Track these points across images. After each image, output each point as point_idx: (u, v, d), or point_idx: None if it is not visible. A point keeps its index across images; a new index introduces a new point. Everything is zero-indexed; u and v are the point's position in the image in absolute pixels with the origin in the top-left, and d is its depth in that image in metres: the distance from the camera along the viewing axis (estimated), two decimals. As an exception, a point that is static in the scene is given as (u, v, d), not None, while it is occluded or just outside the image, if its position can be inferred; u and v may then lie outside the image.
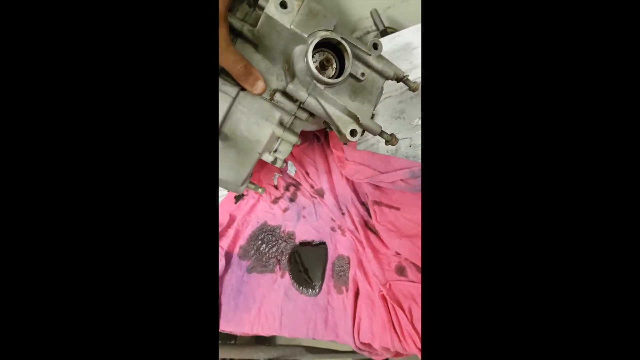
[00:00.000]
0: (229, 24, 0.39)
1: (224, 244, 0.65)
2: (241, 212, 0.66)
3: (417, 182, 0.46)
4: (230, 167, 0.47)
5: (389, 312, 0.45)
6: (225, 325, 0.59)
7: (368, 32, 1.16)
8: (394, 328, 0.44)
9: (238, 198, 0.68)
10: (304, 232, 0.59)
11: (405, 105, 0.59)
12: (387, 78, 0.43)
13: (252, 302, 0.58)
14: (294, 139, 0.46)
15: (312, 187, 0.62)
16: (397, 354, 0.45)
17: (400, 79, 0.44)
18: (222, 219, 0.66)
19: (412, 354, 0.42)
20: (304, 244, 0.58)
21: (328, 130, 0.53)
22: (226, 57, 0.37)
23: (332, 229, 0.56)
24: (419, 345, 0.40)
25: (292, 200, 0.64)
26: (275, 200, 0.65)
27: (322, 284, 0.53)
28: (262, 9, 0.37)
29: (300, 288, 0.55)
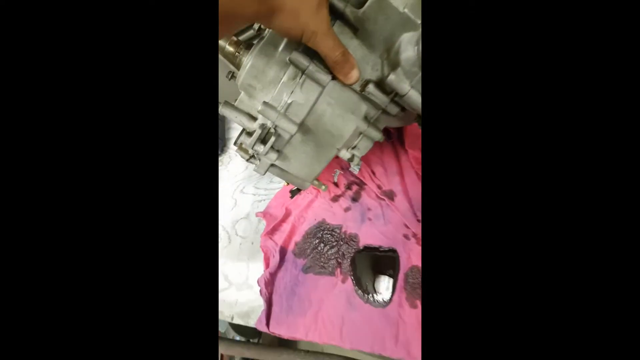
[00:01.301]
0: (330, 3, 0.35)
1: (278, 238, 0.61)
2: (298, 207, 0.63)
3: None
4: (304, 163, 0.44)
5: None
6: (276, 327, 0.55)
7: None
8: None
9: (294, 192, 0.65)
10: (369, 236, 0.54)
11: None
12: None
13: (308, 306, 0.54)
14: (377, 136, 0.43)
15: (379, 187, 0.58)
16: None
17: None
18: (278, 212, 0.63)
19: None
20: (369, 248, 0.53)
21: (420, 126, 0.49)
22: (325, 42, 0.33)
23: (405, 236, 0.51)
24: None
25: (354, 199, 0.60)
26: (335, 198, 0.61)
27: (392, 295, 0.48)
28: None
29: (366, 296, 0.50)
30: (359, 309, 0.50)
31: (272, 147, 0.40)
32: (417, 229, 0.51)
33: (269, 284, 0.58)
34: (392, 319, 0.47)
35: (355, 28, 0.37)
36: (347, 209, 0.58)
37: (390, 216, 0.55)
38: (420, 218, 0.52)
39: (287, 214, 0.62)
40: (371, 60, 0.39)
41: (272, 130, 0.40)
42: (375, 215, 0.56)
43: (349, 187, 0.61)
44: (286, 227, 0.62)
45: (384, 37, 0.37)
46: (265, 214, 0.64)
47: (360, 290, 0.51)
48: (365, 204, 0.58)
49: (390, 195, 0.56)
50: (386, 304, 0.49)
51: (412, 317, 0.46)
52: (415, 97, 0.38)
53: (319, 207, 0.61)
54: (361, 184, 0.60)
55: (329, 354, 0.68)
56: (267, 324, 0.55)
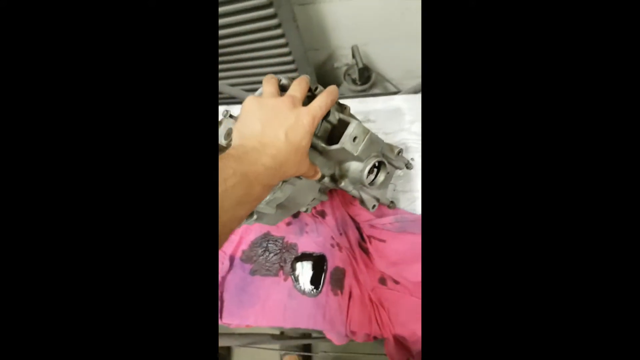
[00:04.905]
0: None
1: (227, 248, 0.74)
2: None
3: (399, 225, 0.68)
4: (274, 219, 0.63)
5: (374, 310, 0.66)
6: (229, 319, 0.69)
7: (347, 66, 1.32)
8: (377, 320, 0.65)
9: (242, 207, 0.77)
10: (306, 245, 0.73)
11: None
12: (398, 168, 0.64)
13: (257, 300, 0.70)
14: (324, 198, 0.67)
15: (314, 208, 0.77)
16: (374, 338, 0.67)
17: (407, 165, 0.65)
18: (228, 225, 0.75)
19: (387, 336, 0.64)
20: (305, 255, 0.73)
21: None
22: (305, 168, 0.47)
23: (332, 245, 0.73)
24: (393, 332, 0.63)
25: (295, 216, 0.77)
26: (278, 213, 0.77)
27: (321, 288, 0.70)
28: (330, 123, 0.51)
29: (302, 290, 0.70)
30: (297, 298, 0.69)
31: (254, 218, 0.57)
32: (340, 240, 0.73)
33: (220, 285, 0.71)
34: (321, 304, 0.68)
35: (321, 152, 0.53)
36: (289, 224, 0.72)
37: (321, 230, 0.75)
38: (341, 232, 0.74)
39: (236, 226, 0.74)
40: (327, 165, 0.56)
41: (255, 216, 0.56)
42: (311, 229, 0.75)
43: (288, 204, 0.78)
44: (234, 238, 0.75)
45: (339, 159, 0.56)
46: (215, 225, 0.74)
47: (298, 285, 0.71)
48: (304, 220, 0.72)
49: (322, 214, 0.76)
50: (317, 294, 0.70)
51: (334, 302, 0.69)
52: (354, 192, 0.59)
53: (264, 221, 0.76)
54: (299, 203, 0.78)
55: (257, 334, 0.85)
56: (220, 316, 0.68)
